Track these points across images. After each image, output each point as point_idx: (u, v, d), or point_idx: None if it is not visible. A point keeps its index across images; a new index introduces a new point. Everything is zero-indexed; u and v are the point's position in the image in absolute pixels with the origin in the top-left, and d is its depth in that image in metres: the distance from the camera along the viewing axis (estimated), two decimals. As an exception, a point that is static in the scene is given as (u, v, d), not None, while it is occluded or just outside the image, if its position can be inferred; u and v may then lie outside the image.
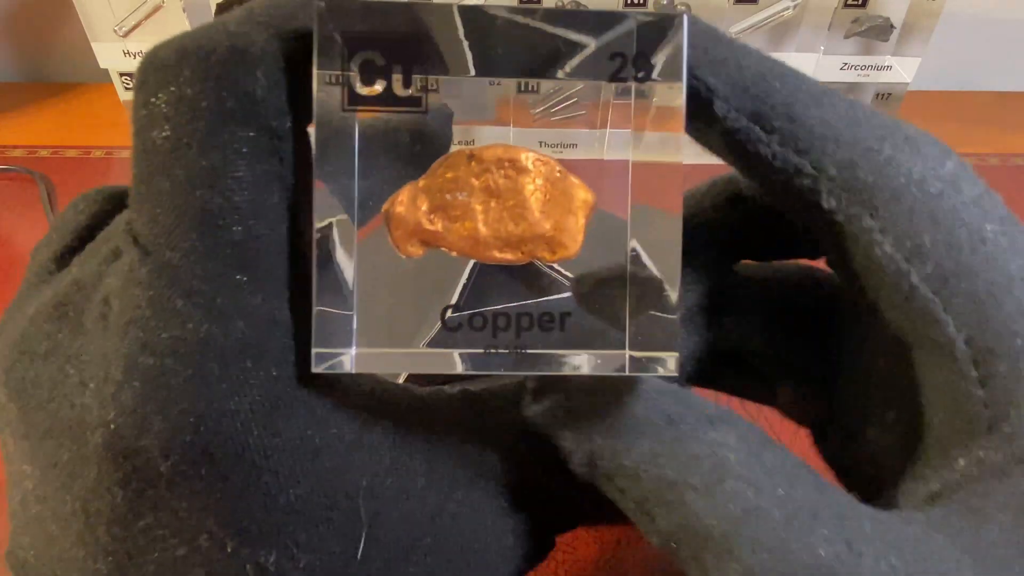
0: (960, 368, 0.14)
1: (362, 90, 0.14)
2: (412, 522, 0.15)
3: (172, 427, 0.12)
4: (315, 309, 0.14)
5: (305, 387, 0.14)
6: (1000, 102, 0.71)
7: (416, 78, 0.14)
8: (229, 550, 0.13)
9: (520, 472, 0.17)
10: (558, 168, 0.15)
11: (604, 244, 0.15)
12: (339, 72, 0.14)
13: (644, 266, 0.15)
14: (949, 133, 0.73)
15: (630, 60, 0.14)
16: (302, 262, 0.14)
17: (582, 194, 0.15)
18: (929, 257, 0.15)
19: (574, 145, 0.60)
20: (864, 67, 0.56)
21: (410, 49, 0.14)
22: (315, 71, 0.14)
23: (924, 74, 0.59)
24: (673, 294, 0.15)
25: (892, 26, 0.54)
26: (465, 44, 0.14)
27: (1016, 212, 0.62)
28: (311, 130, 0.14)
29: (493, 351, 0.15)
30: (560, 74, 0.14)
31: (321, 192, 0.14)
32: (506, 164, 0.15)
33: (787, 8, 0.53)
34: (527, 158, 0.15)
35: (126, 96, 0.58)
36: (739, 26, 0.54)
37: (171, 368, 0.12)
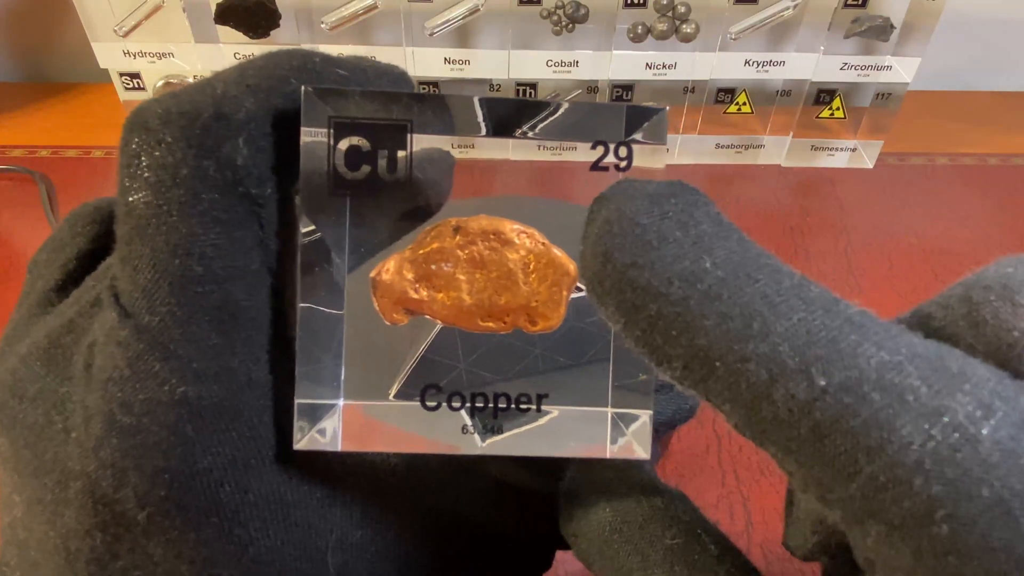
0: None
1: (348, 175, 0.14)
2: (381, 574, 0.16)
3: (148, 482, 0.13)
4: (297, 378, 0.14)
5: (279, 446, 0.14)
6: (1000, 102, 0.71)
7: (402, 163, 0.14)
8: None
9: (496, 524, 0.17)
10: (542, 240, 0.15)
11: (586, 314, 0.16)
12: (325, 155, 0.14)
13: None
14: (949, 133, 0.73)
15: (612, 148, 0.15)
16: (284, 324, 0.15)
17: (565, 265, 0.15)
18: None
19: (573, 148, 0.60)
20: (864, 67, 0.56)
21: (395, 134, 0.14)
22: (302, 155, 0.14)
23: (924, 74, 0.59)
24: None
25: (892, 26, 0.54)
26: (475, 114, 0.15)
27: (1016, 212, 0.63)
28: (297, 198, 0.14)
29: (470, 432, 0.15)
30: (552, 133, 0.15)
31: (308, 264, 0.14)
32: (491, 236, 0.15)
33: (787, 8, 0.53)
34: (512, 230, 0.15)
35: (126, 96, 0.58)
36: (739, 26, 0.54)
37: (147, 427, 0.13)
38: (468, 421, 0.15)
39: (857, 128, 0.60)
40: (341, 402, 0.15)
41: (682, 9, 0.52)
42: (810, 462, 0.10)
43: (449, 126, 0.14)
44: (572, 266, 0.15)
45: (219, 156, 0.13)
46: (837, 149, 0.61)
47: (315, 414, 0.15)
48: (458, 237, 0.15)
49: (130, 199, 0.13)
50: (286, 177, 0.14)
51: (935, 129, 0.66)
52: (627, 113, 0.15)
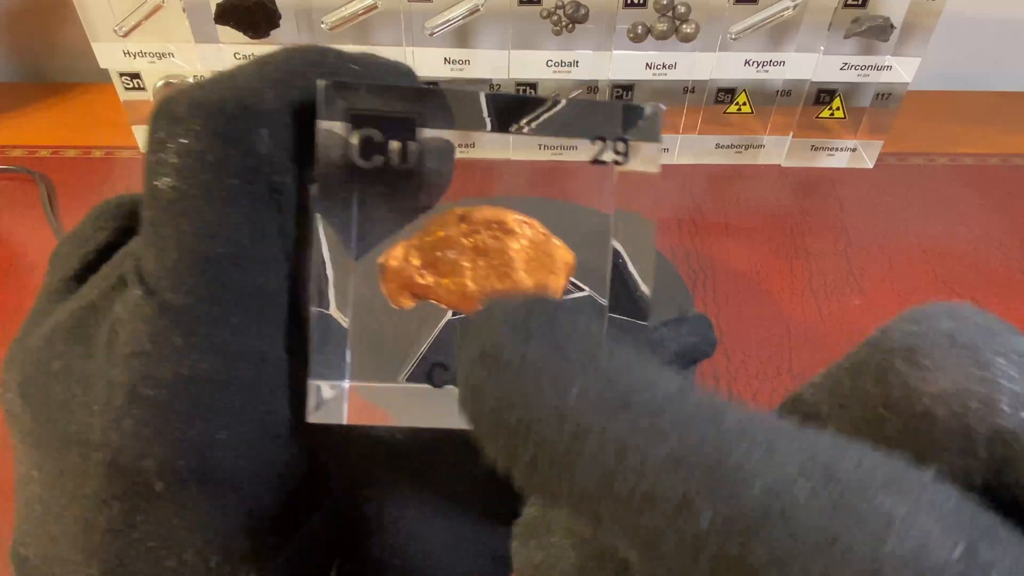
0: None
1: (362, 164, 0.15)
2: (386, 545, 0.16)
3: (168, 452, 0.13)
4: (311, 356, 0.15)
5: (292, 422, 0.15)
6: (1000, 102, 0.71)
7: (412, 153, 0.15)
8: (212, 565, 0.14)
9: (499, 505, 0.18)
10: (542, 230, 0.16)
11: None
12: (340, 146, 0.15)
13: (625, 269, 0.16)
14: (949, 133, 0.73)
15: (611, 144, 0.15)
16: (299, 305, 0.15)
17: (563, 255, 0.16)
18: None
19: (573, 148, 0.60)
20: (864, 67, 0.56)
21: (408, 126, 0.15)
22: (317, 144, 0.15)
23: (924, 74, 0.59)
24: (647, 293, 0.16)
25: (892, 26, 0.54)
26: (480, 110, 0.15)
27: (1016, 212, 0.63)
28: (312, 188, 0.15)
29: None
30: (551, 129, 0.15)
31: (320, 246, 0.15)
32: (494, 225, 0.16)
33: (787, 8, 0.53)
34: (514, 220, 0.16)
35: (126, 96, 0.58)
36: (739, 26, 0.54)
37: (168, 400, 0.13)
38: None
39: (857, 128, 0.60)
40: (347, 383, 0.15)
41: (682, 9, 0.52)
42: None
43: (451, 121, 0.15)
44: (570, 256, 0.16)
45: (243, 145, 0.14)
46: (837, 149, 0.61)
47: (325, 392, 0.15)
48: (463, 225, 0.16)
49: (156, 183, 0.14)
50: (302, 166, 0.15)
51: (935, 129, 0.66)
52: (623, 110, 0.15)
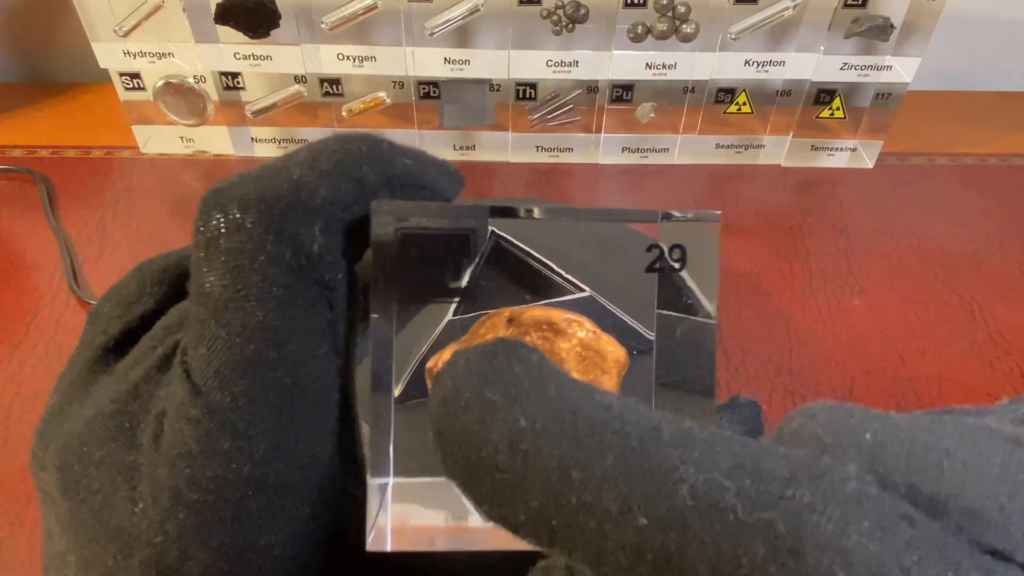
0: None
1: (414, 282, 0.15)
2: None
3: (212, 556, 0.13)
4: (369, 456, 0.14)
5: (338, 525, 0.15)
6: (1000, 102, 0.71)
7: (464, 270, 0.15)
8: None
9: None
10: (592, 329, 0.16)
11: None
12: (392, 265, 0.14)
13: (681, 284, 0.15)
14: (949, 133, 0.73)
15: (667, 251, 0.15)
16: (350, 403, 0.15)
17: (614, 352, 0.16)
18: None
19: (570, 149, 0.60)
20: (864, 67, 0.56)
21: (459, 245, 0.15)
22: (372, 263, 0.14)
23: (924, 74, 0.59)
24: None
25: (892, 26, 0.54)
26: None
27: (1016, 212, 0.63)
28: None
29: None
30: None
31: (379, 358, 0.15)
32: (544, 326, 0.15)
33: (787, 8, 0.53)
34: (564, 320, 0.15)
35: (126, 96, 0.58)
36: (739, 26, 0.54)
37: (213, 504, 0.13)
38: None
39: (857, 128, 0.60)
40: (391, 480, 0.15)
41: (682, 9, 0.52)
42: None
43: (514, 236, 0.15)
44: (622, 353, 0.16)
45: (296, 243, 0.13)
46: (837, 149, 0.61)
47: (384, 505, 0.15)
48: (511, 328, 0.15)
49: (206, 282, 0.13)
50: (352, 259, 0.15)
51: (935, 129, 0.66)
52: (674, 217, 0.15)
